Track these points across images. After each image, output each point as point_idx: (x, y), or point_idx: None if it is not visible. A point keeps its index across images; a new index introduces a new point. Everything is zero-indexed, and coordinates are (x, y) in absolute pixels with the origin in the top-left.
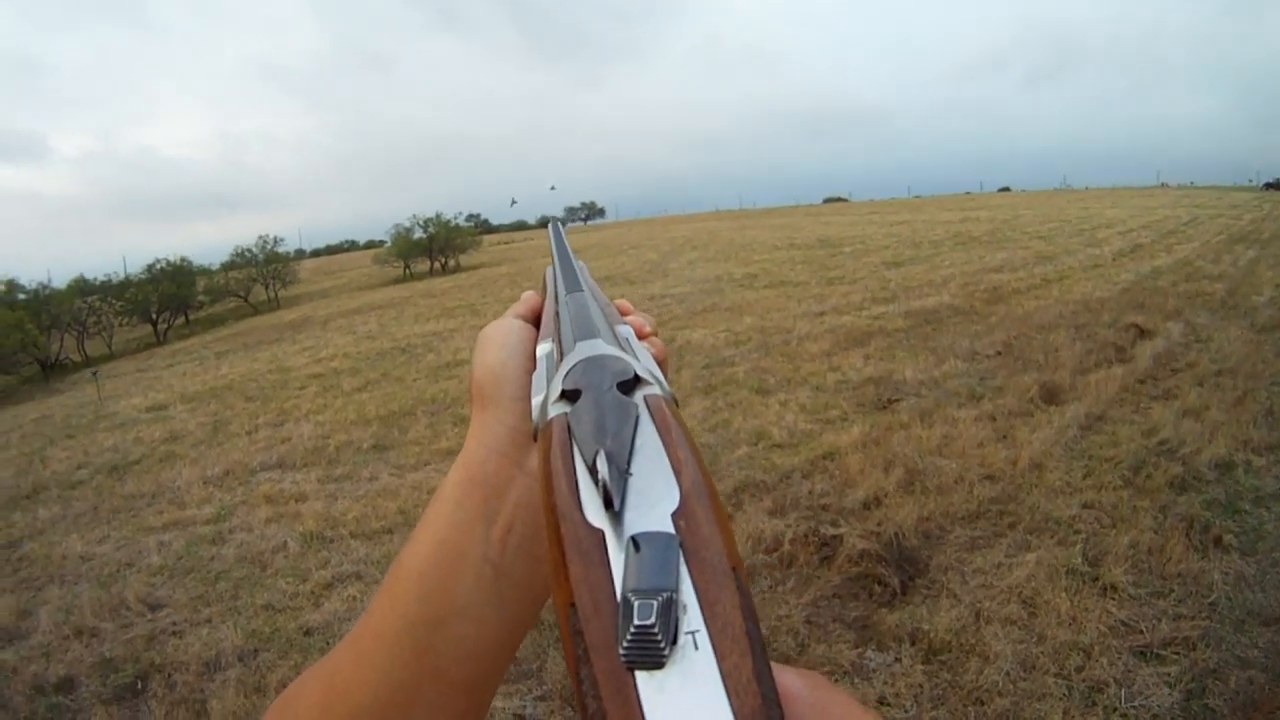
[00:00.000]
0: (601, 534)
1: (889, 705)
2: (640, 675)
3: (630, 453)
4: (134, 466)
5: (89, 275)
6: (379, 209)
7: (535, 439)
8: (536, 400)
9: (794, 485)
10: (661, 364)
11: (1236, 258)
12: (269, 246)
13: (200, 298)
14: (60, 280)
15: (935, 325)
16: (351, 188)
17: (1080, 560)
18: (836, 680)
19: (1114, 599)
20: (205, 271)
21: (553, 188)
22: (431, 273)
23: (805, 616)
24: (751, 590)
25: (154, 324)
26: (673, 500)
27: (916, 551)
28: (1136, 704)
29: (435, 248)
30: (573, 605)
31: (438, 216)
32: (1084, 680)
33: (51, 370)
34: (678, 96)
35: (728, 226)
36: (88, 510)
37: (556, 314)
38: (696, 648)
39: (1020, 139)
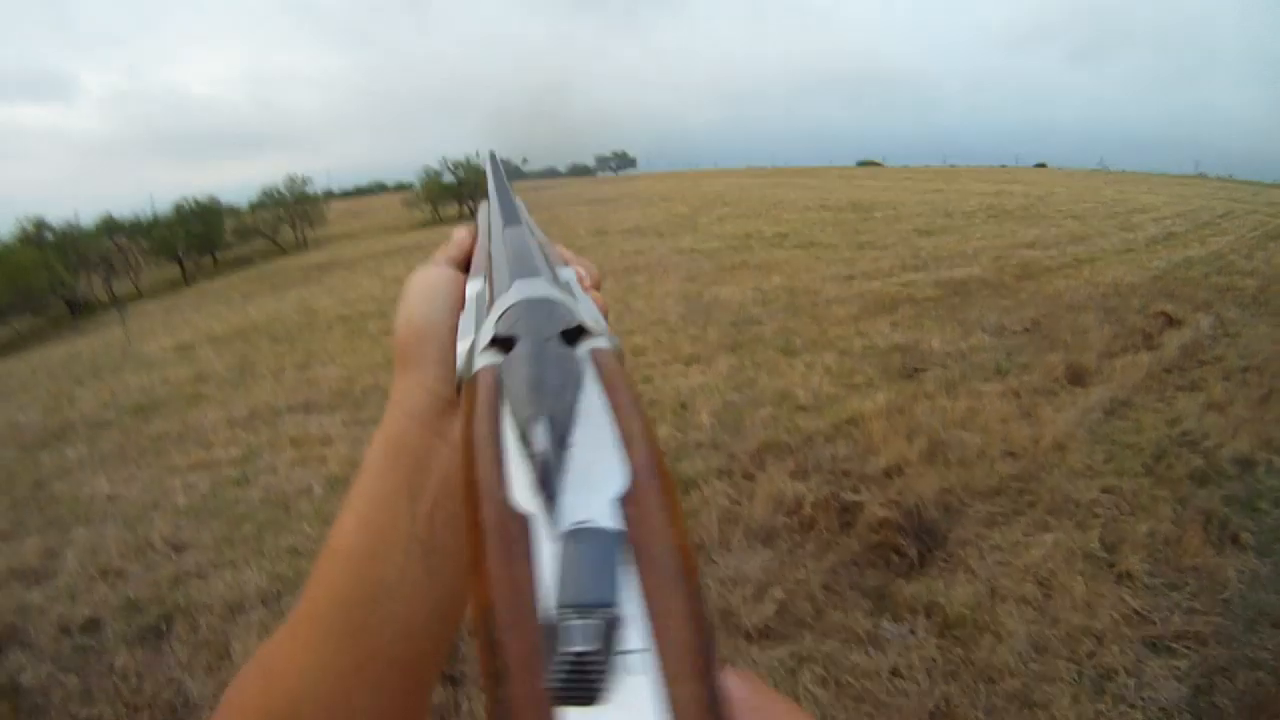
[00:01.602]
0: (528, 520)
1: (901, 677)
2: (568, 710)
3: (571, 419)
4: (161, 407)
5: (117, 214)
6: (408, 152)
7: (459, 393)
8: (463, 346)
9: (816, 448)
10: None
11: (1270, 255)
12: (298, 187)
13: (228, 238)
14: (88, 219)
15: (964, 297)
16: (380, 129)
17: (1097, 545)
18: (851, 650)
19: (1129, 587)
20: (233, 211)
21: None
22: (460, 217)
23: (822, 582)
24: (768, 551)
25: (181, 264)
26: (620, 481)
27: (936, 523)
28: (1145, 695)
29: (464, 192)
30: (491, 608)
31: (467, 160)
32: (1094, 666)
33: (79, 310)
34: (714, 48)
35: (759, 184)
36: (115, 450)
37: (490, 251)
38: (639, 670)
39: (1059, 115)
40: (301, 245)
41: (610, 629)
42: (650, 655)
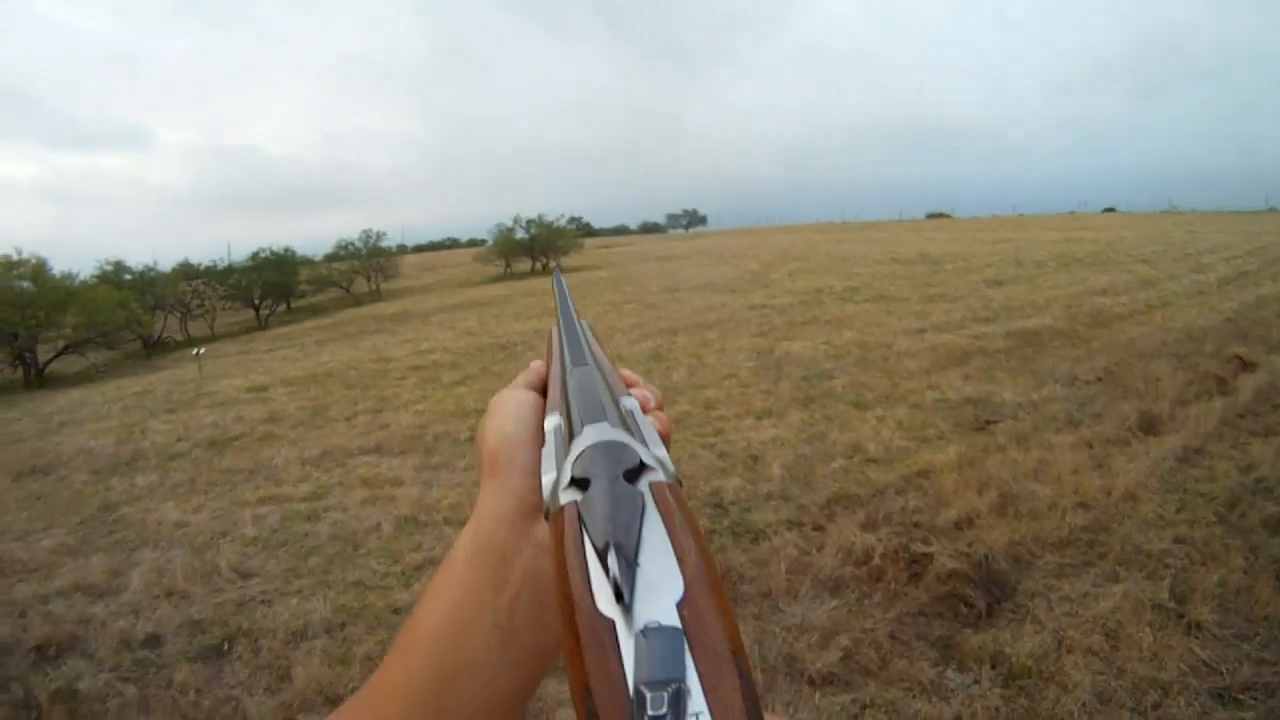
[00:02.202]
0: (613, 623)
1: None
2: None
3: (638, 544)
4: (233, 443)
5: (194, 261)
6: (478, 210)
7: (546, 518)
8: (547, 479)
9: (887, 501)
10: (666, 439)
11: None
12: (372, 240)
13: (303, 286)
14: (165, 265)
15: (1036, 347)
16: (451, 188)
17: (1167, 596)
18: (914, 698)
19: (1198, 638)
20: (308, 262)
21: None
22: (533, 272)
23: (889, 631)
24: (835, 600)
25: (256, 309)
26: (677, 589)
27: (1005, 575)
28: None
29: (537, 248)
30: (588, 689)
31: (540, 217)
32: (1159, 718)
33: (154, 348)
34: (778, 106)
35: (828, 239)
36: (185, 481)
37: (564, 385)
38: None
39: (1125, 157)
40: (375, 296)
41: (678, 698)
42: (707, 715)
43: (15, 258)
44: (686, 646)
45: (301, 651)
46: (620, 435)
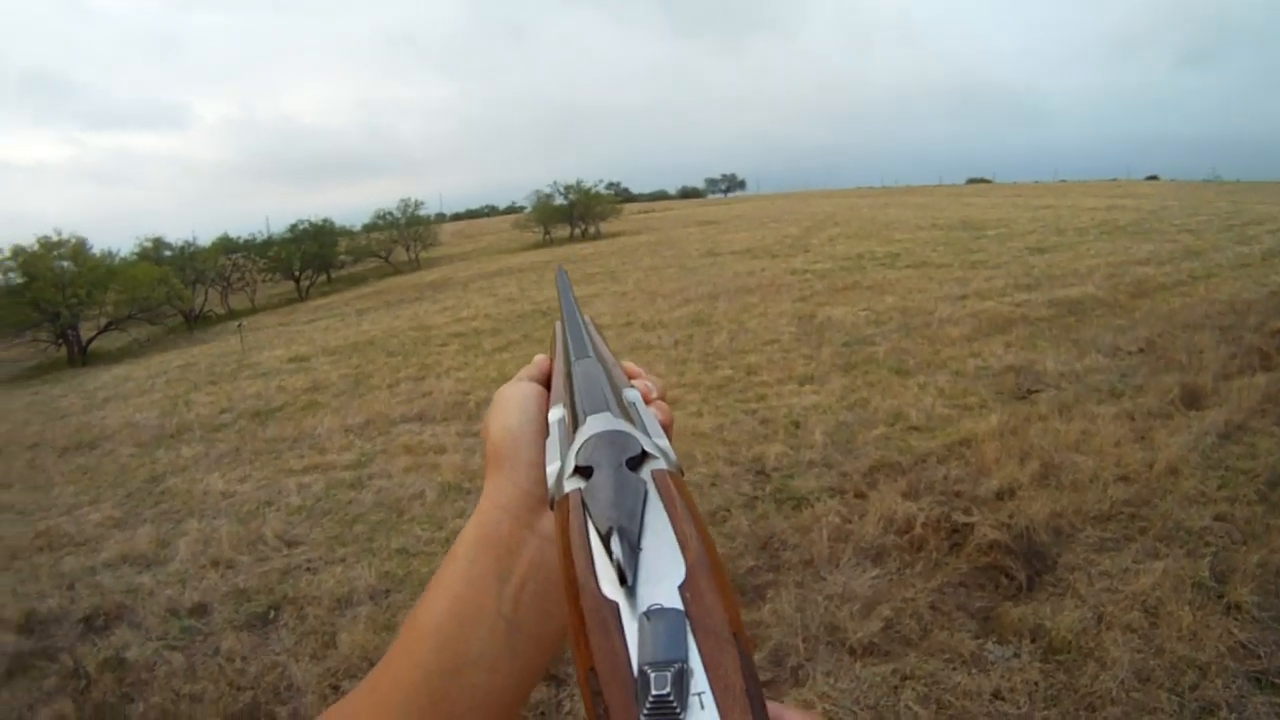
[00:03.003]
0: (616, 605)
1: (1003, 700)
2: None
3: (640, 529)
4: (276, 413)
5: (233, 235)
6: (517, 176)
7: (551, 507)
8: (551, 469)
9: (929, 469)
10: (667, 428)
11: None
12: (410, 209)
13: (342, 257)
14: (205, 239)
15: (1078, 316)
16: (489, 155)
17: (1207, 574)
18: (954, 670)
19: (1236, 619)
20: (347, 232)
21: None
22: (571, 239)
23: (930, 602)
24: (877, 569)
25: (296, 281)
26: (679, 573)
27: (1046, 547)
28: None
29: (575, 214)
30: (593, 669)
31: (578, 183)
32: (1196, 699)
33: (195, 321)
34: (819, 69)
35: (869, 204)
36: (230, 451)
37: (568, 377)
38: (703, 708)
39: (1169, 124)
40: (414, 264)
41: (681, 677)
42: (708, 695)
43: (55, 239)
44: (689, 628)
45: (347, 618)
46: (623, 425)
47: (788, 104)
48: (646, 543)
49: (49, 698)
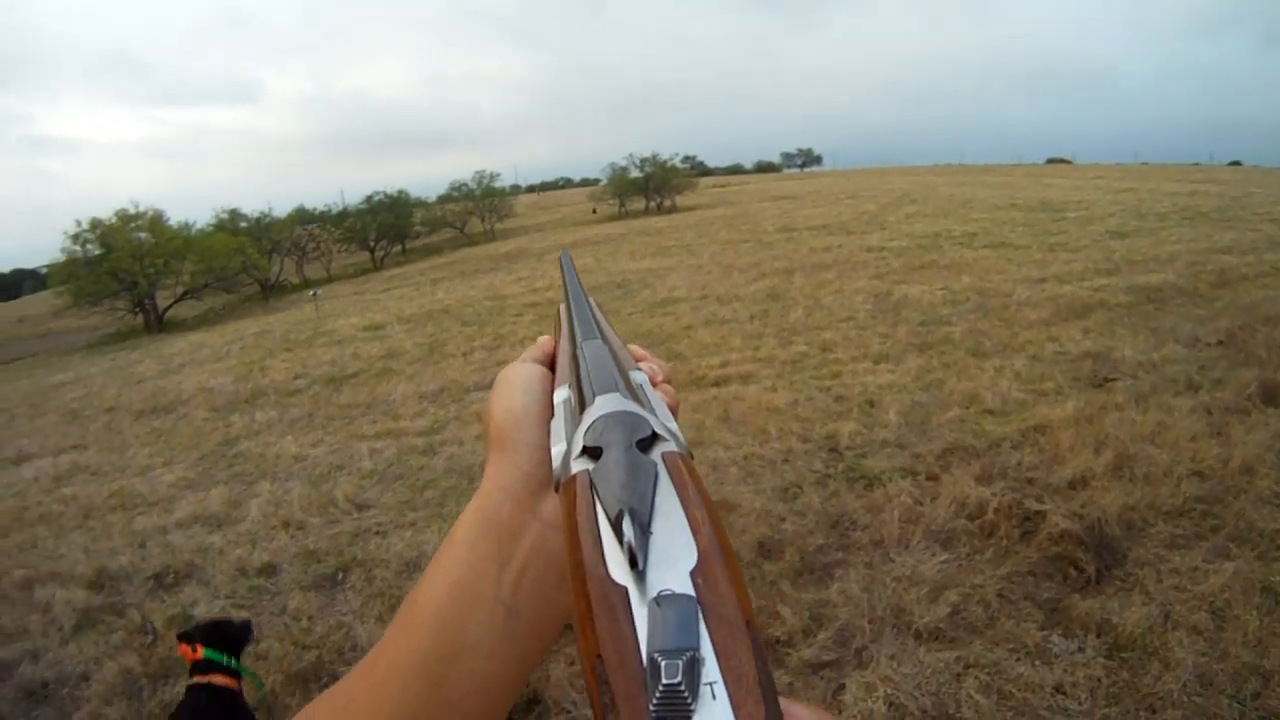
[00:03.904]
0: (625, 590)
1: (1064, 694)
2: None
3: (651, 512)
4: (350, 379)
5: (308, 206)
6: (591, 149)
7: (556, 489)
8: (557, 450)
9: (1003, 454)
10: (674, 411)
11: None
12: (485, 181)
13: (417, 228)
14: (281, 211)
15: (1158, 304)
16: (564, 128)
17: (1278, 579)
18: (1018, 661)
19: None
20: (422, 204)
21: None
22: (646, 211)
23: (998, 590)
24: (946, 553)
25: (371, 251)
26: (691, 558)
27: (1117, 540)
28: None
29: (651, 187)
30: (599, 657)
31: (654, 156)
32: (1258, 708)
33: (271, 290)
34: (895, 45)
35: (946, 182)
36: (303, 416)
37: (574, 358)
38: (714, 698)
39: (1254, 108)
40: (489, 235)
41: (692, 666)
42: (720, 685)
43: (132, 211)
44: (700, 615)
45: (414, 582)
46: (633, 406)
47: (864, 79)
48: (657, 526)
49: (116, 651)
